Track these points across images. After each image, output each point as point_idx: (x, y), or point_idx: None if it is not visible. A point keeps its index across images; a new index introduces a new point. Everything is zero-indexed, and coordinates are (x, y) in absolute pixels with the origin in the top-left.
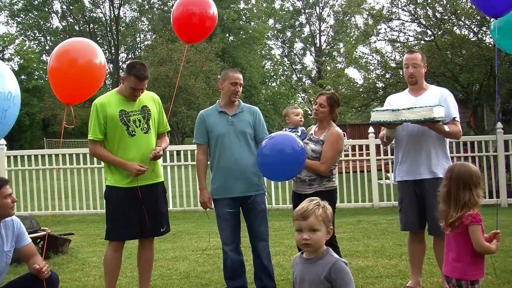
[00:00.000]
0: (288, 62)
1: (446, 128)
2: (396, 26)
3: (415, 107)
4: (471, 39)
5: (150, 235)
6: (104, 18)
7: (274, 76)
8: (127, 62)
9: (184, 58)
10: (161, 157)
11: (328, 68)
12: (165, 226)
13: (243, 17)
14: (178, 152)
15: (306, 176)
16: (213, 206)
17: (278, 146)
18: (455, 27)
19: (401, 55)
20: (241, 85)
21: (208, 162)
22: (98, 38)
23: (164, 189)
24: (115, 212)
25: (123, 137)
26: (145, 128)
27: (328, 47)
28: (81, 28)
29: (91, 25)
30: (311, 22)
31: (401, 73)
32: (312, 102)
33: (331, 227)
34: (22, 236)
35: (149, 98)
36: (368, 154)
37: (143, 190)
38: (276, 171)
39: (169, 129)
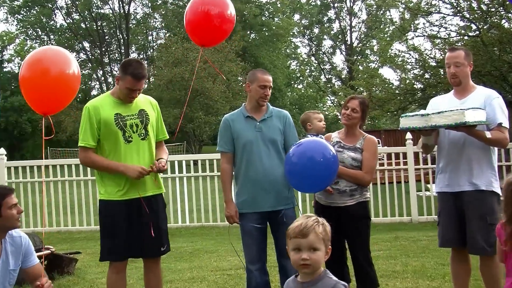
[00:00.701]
0: (316, 62)
1: (488, 134)
2: (436, 20)
3: (445, 111)
4: None
5: (149, 255)
6: (112, 15)
7: (301, 77)
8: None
9: (198, 62)
10: (165, 171)
11: (360, 68)
12: (166, 244)
13: (266, 12)
14: (195, 162)
15: (346, 187)
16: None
17: (307, 154)
18: (503, 20)
19: (442, 53)
20: (271, 88)
21: (233, 173)
22: (106, 37)
23: (164, 203)
24: (111, 229)
25: (118, 143)
26: (142, 134)
27: (360, 44)
28: (88, 25)
29: (99, 23)
30: (341, 17)
31: (441, 72)
32: (342, 106)
33: (330, 246)
34: (30, 256)
35: (146, 102)
36: (405, 163)
37: (140, 204)
38: (306, 181)
39: (168, 137)
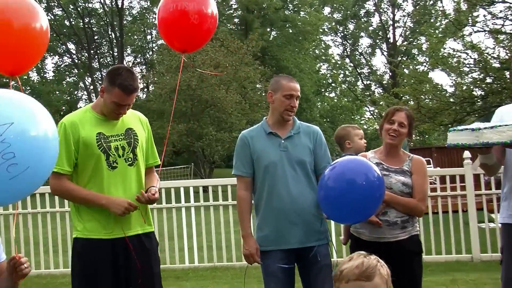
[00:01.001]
0: (351, 65)
1: None
2: (501, 11)
3: (499, 125)
4: None
5: None
6: (103, 10)
7: (333, 84)
8: (109, 68)
9: (180, 71)
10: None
11: (406, 71)
12: None
13: (290, 5)
14: (205, 189)
15: (397, 218)
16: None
17: (346, 176)
18: None
19: (507, 51)
20: (298, 98)
21: (252, 201)
22: (95, 37)
23: (157, 242)
24: (91, 276)
25: (100, 169)
26: (130, 159)
27: (405, 43)
28: (73, 23)
29: (86, 19)
30: (381, 10)
31: (507, 75)
32: (383, 120)
33: None
34: None
35: (135, 119)
36: (463, 188)
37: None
38: (346, 210)
39: (160, 162)
